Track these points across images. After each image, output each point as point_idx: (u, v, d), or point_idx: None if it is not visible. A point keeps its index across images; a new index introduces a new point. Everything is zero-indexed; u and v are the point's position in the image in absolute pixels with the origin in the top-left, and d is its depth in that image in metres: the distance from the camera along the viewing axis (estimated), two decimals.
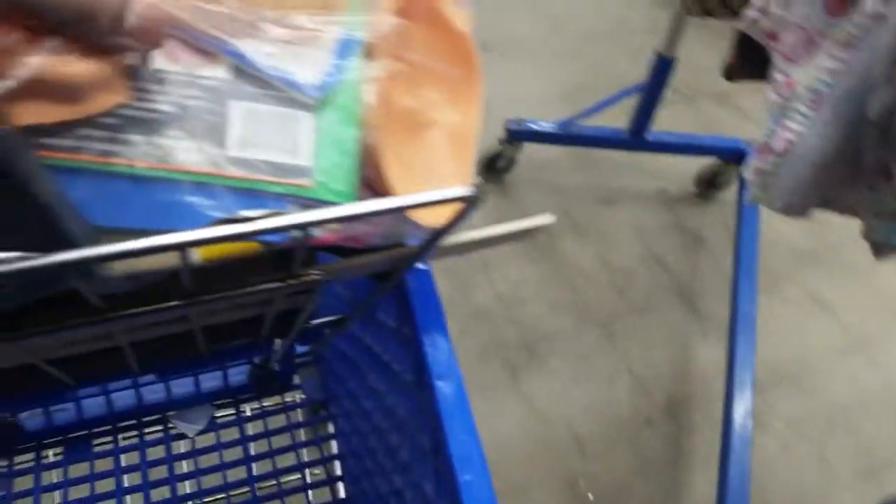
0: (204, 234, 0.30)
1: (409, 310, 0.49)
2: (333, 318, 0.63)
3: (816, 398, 1.34)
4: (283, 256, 0.40)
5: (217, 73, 0.33)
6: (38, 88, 0.29)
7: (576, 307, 1.42)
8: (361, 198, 0.35)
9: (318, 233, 0.35)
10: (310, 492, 0.83)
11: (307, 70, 0.33)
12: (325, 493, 0.84)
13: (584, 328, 1.40)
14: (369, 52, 0.35)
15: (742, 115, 1.83)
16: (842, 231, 1.57)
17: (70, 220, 0.32)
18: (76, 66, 0.29)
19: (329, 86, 0.34)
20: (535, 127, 1.50)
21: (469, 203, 0.33)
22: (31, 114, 0.29)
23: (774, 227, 1.50)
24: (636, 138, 1.45)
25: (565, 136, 1.47)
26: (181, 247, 0.30)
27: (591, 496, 1.19)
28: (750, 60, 0.71)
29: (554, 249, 1.49)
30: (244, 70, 0.33)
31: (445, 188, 0.39)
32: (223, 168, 0.32)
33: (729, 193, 1.58)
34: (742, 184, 1.43)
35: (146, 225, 0.32)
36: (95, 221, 0.32)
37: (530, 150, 1.58)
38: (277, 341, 0.67)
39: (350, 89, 0.34)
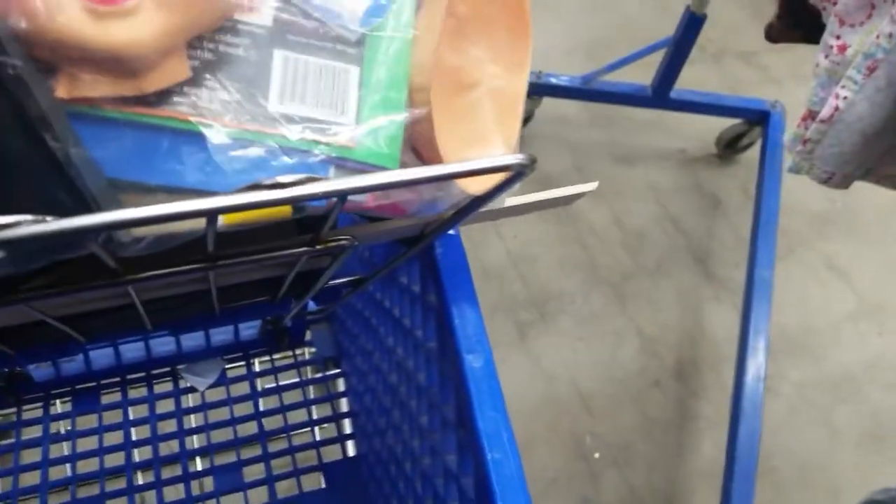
0: (235, 201, 0.27)
1: (437, 277, 0.46)
2: (352, 278, 0.61)
3: (826, 364, 1.34)
4: (308, 218, 0.38)
5: (261, 19, 0.30)
6: (84, 58, 0.26)
7: (587, 267, 1.40)
8: (403, 160, 0.33)
9: (357, 199, 0.33)
10: (321, 449, 0.82)
11: (350, 4, 0.30)
12: (335, 450, 0.84)
13: (594, 288, 1.38)
14: (420, 4, 0.32)
15: (767, 76, 1.78)
16: (859, 198, 1.54)
17: (87, 173, 0.30)
18: (129, 34, 0.26)
19: (372, 21, 0.31)
20: (555, 81, 1.45)
21: (520, 172, 0.30)
22: (79, 87, 0.27)
23: (791, 191, 1.47)
24: (659, 96, 1.41)
25: (586, 92, 1.43)
26: (210, 213, 0.28)
27: (596, 455, 1.20)
28: (797, 22, 0.68)
29: (567, 208, 1.47)
30: (289, 15, 0.30)
31: (492, 155, 0.37)
32: (262, 123, 0.30)
33: (750, 155, 1.55)
34: (765, 146, 1.39)
35: (172, 182, 0.29)
36: (116, 174, 0.30)
37: (547, 104, 1.54)
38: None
39: (399, 44, 0.32)
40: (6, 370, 0.78)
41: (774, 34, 0.73)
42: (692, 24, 1.29)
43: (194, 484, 0.79)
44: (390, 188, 0.29)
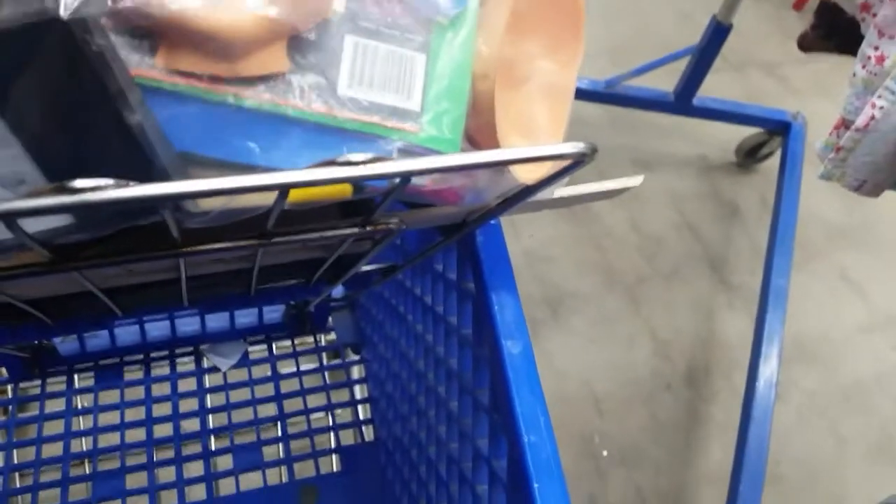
0: (309, 176, 0.28)
1: (476, 264, 0.47)
2: (384, 265, 0.62)
3: (836, 375, 1.34)
4: (352, 203, 0.39)
5: (333, 4, 0.31)
6: (188, 35, 0.27)
7: (602, 269, 1.41)
8: (462, 148, 0.34)
9: (418, 182, 0.34)
10: (340, 432, 0.83)
11: None
12: (353, 434, 0.85)
13: (609, 290, 1.39)
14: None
15: (789, 87, 1.78)
16: (876, 211, 1.55)
17: (159, 145, 0.31)
18: (234, 18, 0.27)
19: (439, 10, 0.32)
20: (577, 83, 1.46)
21: (579, 161, 0.31)
22: (177, 60, 0.28)
23: (808, 202, 1.47)
24: (682, 103, 1.41)
25: (609, 95, 1.44)
26: (284, 187, 0.29)
27: (605, 454, 1.20)
28: (832, 32, 0.68)
29: (585, 210, 1.48)
30: (361, 1, 0.31)
31: (548, 144, 0.37)
32: (331, 107, 0.30)
33: (769, 165, 1.55)
34: (785, 157, 1.39)
35: (244, 160, 0.30)
36: (187, 148, 0.31)
37: None
38: None
39: (465, 34, 0.32)
40: (34, 342, 0.79)
41: (808, 43, 0.73)
42: (718, 33, 1.29)
43: (214, 461, 0.80)
44: (456, 170, 0.30)
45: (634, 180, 0.41)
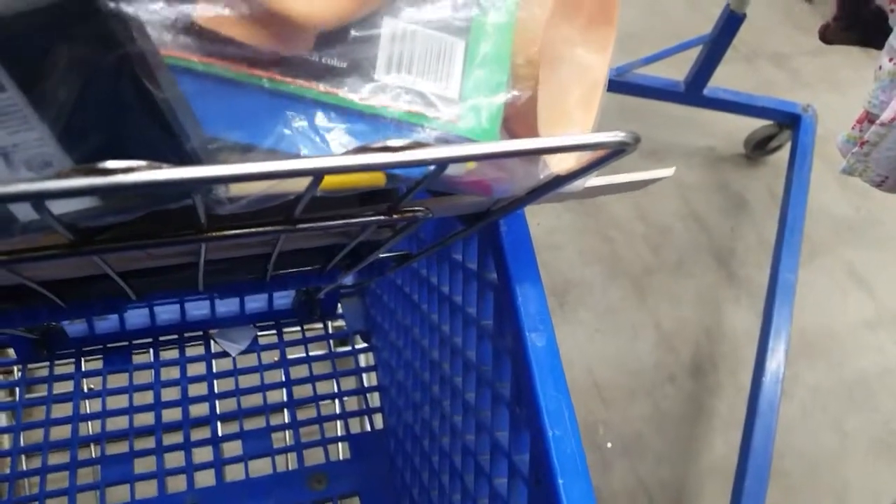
0: (345, 161, 0.27)
1: (500, 255, 0.47)
2: (398, 253, 0.62)
3: (841, 370, 1.34)
4: (373, 191, 0.38)
5: None
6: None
7: (608, 259, 1.40)
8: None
9: (453, 172, 0.33)
10: (348, 420, 0.83)
11: None
12: (363, 422, 0.84)
13: (614, 281, 1.38)
14: None
15: (799, 80, 1.77)
16: (883, 206, 1.54)
17: (190, 128, 0.30)
18: (310, 8, 0.26)
19: None
20: None
21: (620, 151, 0.31)
22: (218, 22, 0.27)
23: (815, 196, 1.47)
24: (692, 92, 1.40)
25: (618, 84, 1.42)
26: (319, 173, 0.28)
27: (609, 444, 1.20)
28: (855, 24, 0.67)
29: (592, 199, 1.47)
30: None
31: (587, 133, 0.37)
32: (366, 94, 0.30)
33: (778, 157, 1.54)
34: (794, 150, 1.38)
35: (279, 146, 0.30)
36: (218, 133, 0.30)
37: None
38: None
39: (505, 18, 0.32)
40: (44, 323, 0.78)
41: (829, 35, 0.72)
42: (731, 23, 1.28)
43: (222, 447, 0.80)
44: (496, 158, 0.29)
45: (666, 172, 0.41)
